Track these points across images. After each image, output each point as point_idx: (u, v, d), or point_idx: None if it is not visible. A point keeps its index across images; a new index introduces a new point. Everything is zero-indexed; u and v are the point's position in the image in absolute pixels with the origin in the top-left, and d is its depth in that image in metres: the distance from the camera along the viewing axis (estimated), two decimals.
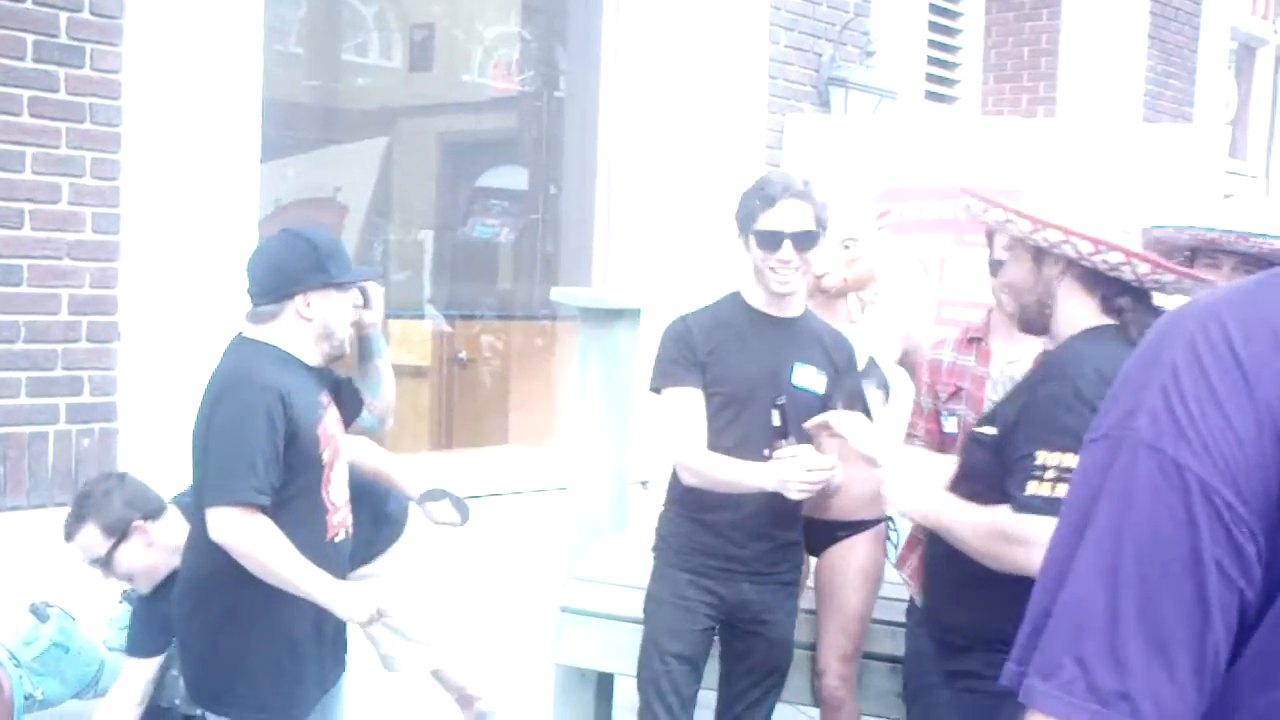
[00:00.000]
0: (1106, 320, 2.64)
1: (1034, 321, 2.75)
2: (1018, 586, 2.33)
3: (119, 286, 4.43)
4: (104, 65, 4.36)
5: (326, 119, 6.69)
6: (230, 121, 4.67)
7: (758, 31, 6.64)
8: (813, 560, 3.88)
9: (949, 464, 2.91)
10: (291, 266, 3.06)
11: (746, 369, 3.34)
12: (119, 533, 3.47)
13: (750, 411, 3.30)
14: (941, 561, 2.78)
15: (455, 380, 7.10)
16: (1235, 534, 1.08)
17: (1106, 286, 2.64)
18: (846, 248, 3.87)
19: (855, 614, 3.70)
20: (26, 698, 3.82)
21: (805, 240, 3.30)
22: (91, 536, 3.48)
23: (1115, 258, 2.58)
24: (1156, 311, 2.63)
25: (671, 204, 6.24)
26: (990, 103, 8.75)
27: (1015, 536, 2.48)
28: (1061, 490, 2.40)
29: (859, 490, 3.53)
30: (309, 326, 3.06)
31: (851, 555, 3.81)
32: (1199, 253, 3.36)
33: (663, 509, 3.50)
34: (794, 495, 3.17)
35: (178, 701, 3.71)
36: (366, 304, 3.34)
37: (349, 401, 3.28)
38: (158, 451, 4.38)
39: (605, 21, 6.37)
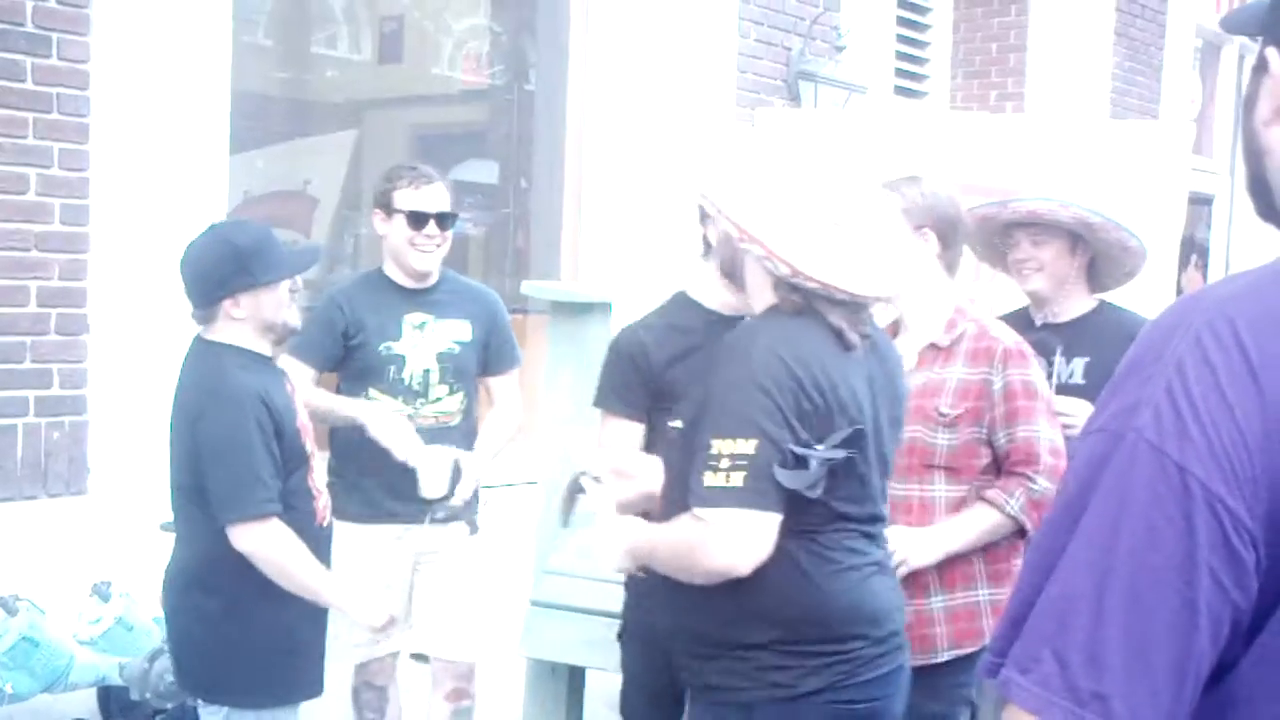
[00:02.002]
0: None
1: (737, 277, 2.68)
2: (748, 591, 2.35)
3: (88, 279, 4.40)
4: (71, 55, 4.34)
5: (296, 111, 6.66)
6: (199, 113, 4.65)
7: (727, 26, 6.66)
8: None
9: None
10: (212, 273, 3.08)
11: None
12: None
13: None
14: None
15: None
16: (1234, 542, 1.05)
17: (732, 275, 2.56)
18: None
19: None
20: None
21: None
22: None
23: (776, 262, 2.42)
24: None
25: (641, 198, 6.25)
26: (959, 98, 8.79)
27: (697, 538, 2.34)
28: (738, 479, 2.29)
29: None
30: (244, 324, 3.10)
31: None
32: (1019, 227, 3.48)
33: None
34: None
35: (148, 695, 3.71)
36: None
37: None
38: (128, 444, 4.37)
39: (574, 15, 6.37)
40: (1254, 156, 1.21)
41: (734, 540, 2.32)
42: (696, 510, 2.33)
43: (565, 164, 6.44)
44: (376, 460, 3.69)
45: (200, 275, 3.10)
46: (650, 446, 3.00)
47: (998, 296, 4.19)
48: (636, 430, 3.06)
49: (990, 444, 3.09)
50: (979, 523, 3.05)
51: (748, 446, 2.29)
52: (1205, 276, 10.80)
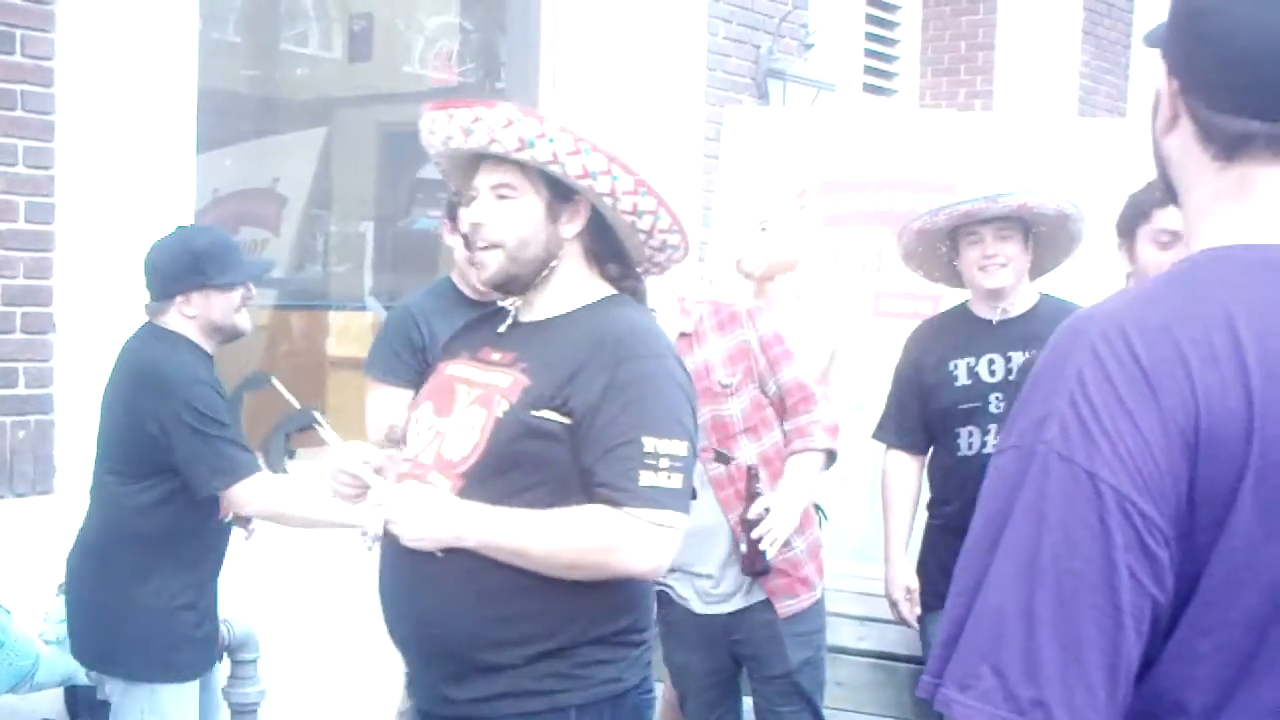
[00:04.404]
0: (610, 289, 2.42)
1: (520, 280, 2.39)
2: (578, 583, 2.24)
3: (54, 277, 4.37)
4: (35, 52, 4.31)
5: (265, 109, 6.64)
6: (166, 111, 4.63)
7: (696, 23, 6.67)
8: None
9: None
10: (167, 269, 3.35)
11: None
12: None
13: None
14: (463, 573, 2.26)
15: None
16: (1148, 541, 1.09)
17: (605, 257, 2.41)
18: (764, 230, 3.95)
19: None
20: None
21: None
22: None
23: (649, 203, 2.35)
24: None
25: None
26: (928, 96, 8.82)
27: (624, 537, 2.20)
28: (676, 481, 2.21)
29: None
30: (193, 322, 3.34)
31: None
32: (960, 231, 3.54)
33: None
34: None
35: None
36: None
37: None
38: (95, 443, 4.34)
39: (544, 13, 6.37)
40: (1160, 163, 1.29)
41: (666, 543, 2.24)
42: (633, 509, 2.19)
43: None
44: None
45: (157, 271, 3.36)
46: None
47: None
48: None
49: (764, 393, 3.40)
50: (808, 471, 3.34)
51: (681, 448, 2.23)
52: None
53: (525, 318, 2.44)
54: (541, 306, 2.41)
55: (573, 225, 2.36)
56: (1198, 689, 1.13)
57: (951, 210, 3.57)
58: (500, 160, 2.33)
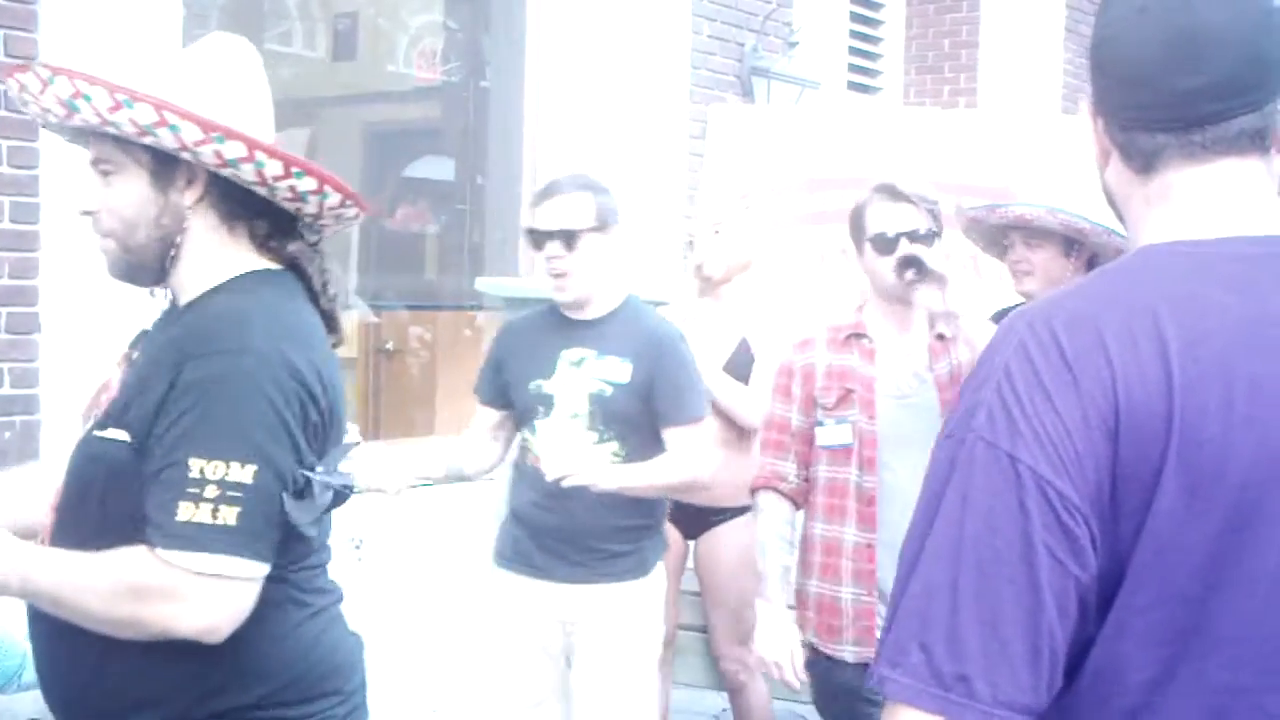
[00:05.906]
0: (267, 263, 2.00)
1: (145, 268, 1.99)
2: (207, 648, 1.79)
3: (39, 277, 4.37)
4: (19, 51, 4.29)
5: None
6: None
7: (680, 22, 6.68)
8: (690, 544, 4.05)
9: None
10: None
11: None
12: (603, 222, 3.47)
13: None
14: (60, 626, 1.87)
15: (382, 371, 7.08)
16: (1066, 520, 1.14)
17: (249, 216, 1.97)
18: (717, 233, 4.01)
19: (742, 599, 3.74)
20: None
21: None
22: (584, 205, 3.43)
23: (236, 150, 1.87)
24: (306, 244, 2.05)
25: None
26: (912, 93, 8.85)
27: (163, 589, 1.75)
28: (229, 515, 1.74)
29: (726, 477, 3.63)
30: None
31: (728, 542, 3.92)
32: (1012, 229, 3.56)
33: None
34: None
35: None
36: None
37: None
38: None
39: (529, 11, 6.38)
40: (1108, 197, 1.39)
41: (218, 596, 1.76)
42: (165, 554, 1.74)
43: (521, 160, 6.45)
44: (524, 507, 3.48)
45: None
46: None
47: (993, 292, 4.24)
48: None
49: None
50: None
51: (244, 474, 1.75)
52: None
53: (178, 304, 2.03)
54: (184, 291, 2.01)
55: (192, 191, 1.94)
56: (1137, 666, 1.17)
57: (963, 214, 3.60)
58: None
